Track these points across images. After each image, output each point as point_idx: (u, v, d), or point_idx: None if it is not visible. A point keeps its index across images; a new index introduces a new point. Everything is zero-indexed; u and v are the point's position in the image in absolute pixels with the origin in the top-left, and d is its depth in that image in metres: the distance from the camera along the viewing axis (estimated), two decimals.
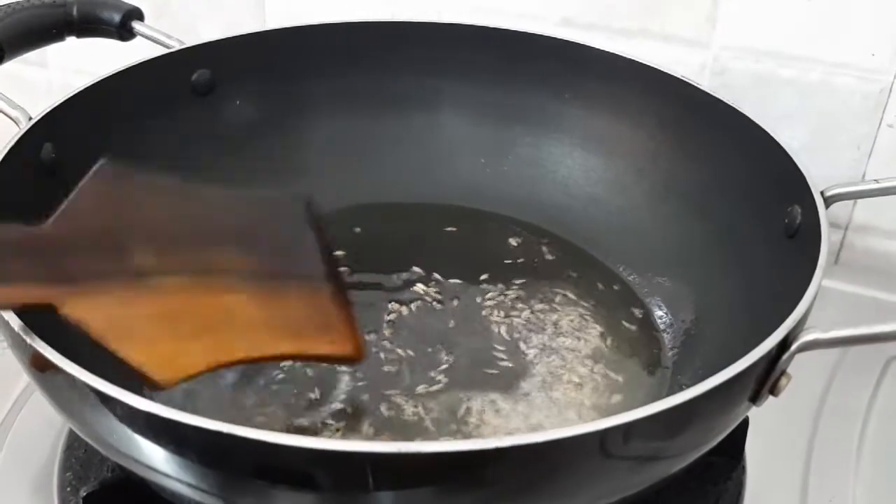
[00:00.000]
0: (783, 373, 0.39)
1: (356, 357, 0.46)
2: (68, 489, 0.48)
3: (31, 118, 0.49)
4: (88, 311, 0.36)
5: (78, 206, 0.40)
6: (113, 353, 0.37)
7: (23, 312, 0.37)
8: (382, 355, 0.52)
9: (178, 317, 0.40)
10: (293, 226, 0.47)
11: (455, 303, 0.56)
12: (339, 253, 0.58)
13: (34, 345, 0.36)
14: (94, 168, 0.41)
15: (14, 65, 0.57)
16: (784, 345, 0.38)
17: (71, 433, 0.51)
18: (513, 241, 0.62)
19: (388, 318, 0.55)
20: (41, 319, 0.37)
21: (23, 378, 0.55)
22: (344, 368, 0.51)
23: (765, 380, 0.39)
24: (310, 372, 0.50)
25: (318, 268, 0.46)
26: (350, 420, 0.48)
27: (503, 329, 0.55)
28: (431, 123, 0.65)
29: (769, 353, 0.37)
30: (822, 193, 0.47)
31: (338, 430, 0.47)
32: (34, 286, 0.36)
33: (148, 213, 0.42)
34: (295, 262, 0.46)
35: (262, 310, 0.43)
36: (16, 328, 0.37)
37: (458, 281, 0.58)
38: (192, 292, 0.41)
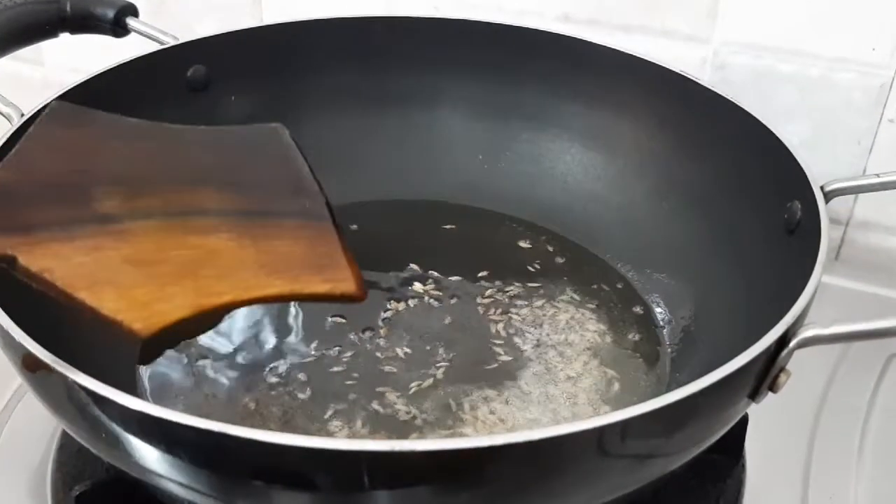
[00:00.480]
0: (782, 369, 0.39)
1: (356, 296, 0.41)
2: (62, 488, 0.48)
3: (23, 115, 0.49)
4: (51, 260, 0.33)
5: (30, 151, 0.36)
6: (83, 305, 0.34)
7: None
8: (379, 353, 0.52)
9: (153, 260, 0.36)
10: (279, 158, 0.43)
11: (453, 300, 0.56)
12: None
13: (25, 344, 0.36)
14: (46, 110, 0.39)
15: (10, 62, 0.56)
16: (783, 341, 0.38)
17: (64, 433, 0.51)
18: (511, 239, 0.61)
19: (385, 315, 0.54)
20: (33, 319, 0.37)
21: (16, 377, 0.54)
22: (338, 368, 0.51)
23: (764, 376, 0.38)
24: (302, 376, 0.50)
25: (310, 202, 0.43)
26: (345, 419, 0.48)
27: (501, 326, 0.54)
28: (429, 120, 0.64)
29: (768, 349, 0.37)
30: (821, 188, 0.47)
31: (334, 429, 0.47)
32: None
33: (111, 155, 0.39)
34: (283, 196, 0.42)
35: (249, 249, 0.39)
36: (7, 327, 0.36)
37: (455, 278, 0.57)
38: (168, 234, 0.37)
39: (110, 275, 0.35)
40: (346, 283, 0.41)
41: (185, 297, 0.36)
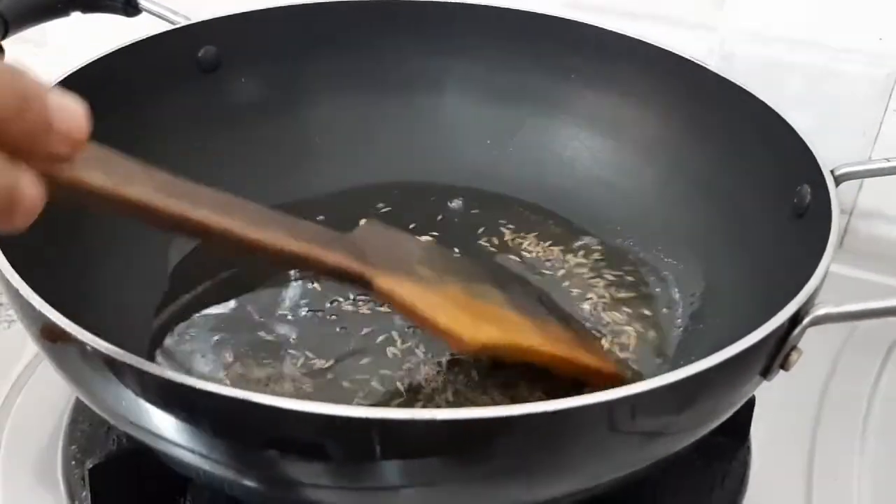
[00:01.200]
0: (794, 347, 0.39)
1: (618, 376, 0.49)
2: (73, 463, 0.48)
3: None
4: (395, 286, 0.42)
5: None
6: (423, 316, 0.43)
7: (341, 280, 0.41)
8: (394, 332, 0.52)
9: (468, 305, 0.45)
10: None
11: None
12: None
13: (46, 313, 0.36)
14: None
15: (14, 43, 0.56)
16: (796, 319, 0.38)
17: (75, 408, 0.51)
18: (519, 224, 0.61)
19: None
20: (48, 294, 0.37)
21: (26, 354, 0.55)
22: (355, 346, 0.51)
23: (776, 354, 0.39)
24: (318, 357, 0.50)
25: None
26: (362, 395, 0.48)
27: None
28: (437, 104, 0.64)
29: (781, 326, 0.37)
30: (832, 172, 0.47)
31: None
32: (355, 261, 0.42)
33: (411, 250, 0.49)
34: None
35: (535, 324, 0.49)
36: (27, 297, 0.37)
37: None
38: (470, 296, 0.47)
39: (439, 302, 0.44)
40: (608, 365, 0.50)
41: (502, 333, 0.45)
